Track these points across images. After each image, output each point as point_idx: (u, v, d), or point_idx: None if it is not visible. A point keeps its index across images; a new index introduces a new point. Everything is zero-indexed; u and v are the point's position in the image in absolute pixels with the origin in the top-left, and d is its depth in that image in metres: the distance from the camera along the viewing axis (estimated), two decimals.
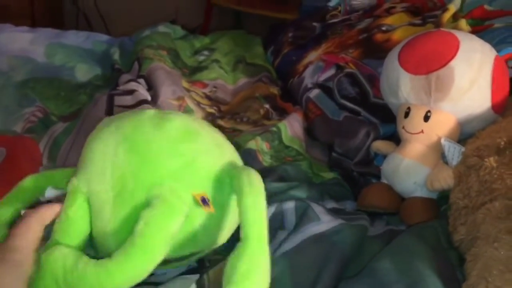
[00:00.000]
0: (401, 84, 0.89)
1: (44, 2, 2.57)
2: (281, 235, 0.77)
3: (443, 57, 0.84)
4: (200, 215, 0.61)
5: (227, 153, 0.68)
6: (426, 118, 0.86)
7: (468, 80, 0.83)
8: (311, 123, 1.21)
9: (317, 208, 0.80)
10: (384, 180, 0.94)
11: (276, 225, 0.81)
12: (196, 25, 2.96)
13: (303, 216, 0.78)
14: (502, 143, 0.76)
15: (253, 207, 0.58)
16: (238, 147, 1.04)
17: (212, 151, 0.65)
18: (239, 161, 0.69)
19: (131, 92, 1.23)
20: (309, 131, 1.21)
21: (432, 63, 0.84)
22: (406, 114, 0.89)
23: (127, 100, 1.21)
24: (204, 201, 0.60)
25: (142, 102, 1.20)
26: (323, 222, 0.76)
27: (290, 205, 0.83)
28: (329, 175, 1.04)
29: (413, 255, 0.65)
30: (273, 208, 0.83)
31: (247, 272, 0.54)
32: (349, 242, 0.73)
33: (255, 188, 0.59)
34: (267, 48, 1.70)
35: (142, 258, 0.55)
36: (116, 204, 0.59)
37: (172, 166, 0.60)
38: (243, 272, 0.54)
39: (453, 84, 0.83)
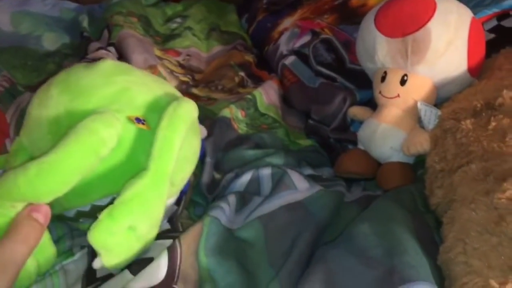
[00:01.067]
0: (378, 48, 0.87)
1: None
2: (257, 200, 0.76)
3: (419, 19, 0.82)
4: (136, 133, 0.60)
5: (166, 87, 0.68)
6: (403, 82, 0.85)
7: (444, 42, 0.81)
8: (287, 91, 1.19)
9: (294, 175, 0.79)
10: (360, 146, 0.93)
11: (252, 191, 0.80)
12: None
13: (279, 183, 0.77)
14: (479, 105, 0.76)
15: (162, 141, 0.58)
16: (213, 115, 1.03)
17: (149, 83, 0.66)
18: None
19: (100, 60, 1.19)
20: (285, 99, 1.19)
21: (408, 25, 0.83)
22: (383, 79, 0.88)
23: None
24: (139, 120, 0.60)
25: None
26: (300, 191, 0.75)
27: (266, 172, 0.81)
28: (306, 142, 1.03)
29: (390, 219, 0.65)
30: (249, 175, 0.82)
31: (129, 200, 0.55)
32: (325, 210, 0.72)
33: (173, 121, 0.60)
34: (242, 15, 1.66)
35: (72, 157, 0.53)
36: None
37: (105, 93, 0.60)
38: (125, 198, 0.55)
39: (429, 46, 0.81)
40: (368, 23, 0.90)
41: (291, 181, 0.77)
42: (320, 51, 1.19)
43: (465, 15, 0.84)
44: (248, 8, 1.65)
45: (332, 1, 1.36)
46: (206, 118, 1.03)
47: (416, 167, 0.89)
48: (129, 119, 0.61)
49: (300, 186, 0.77)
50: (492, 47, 0.95)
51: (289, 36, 1.31)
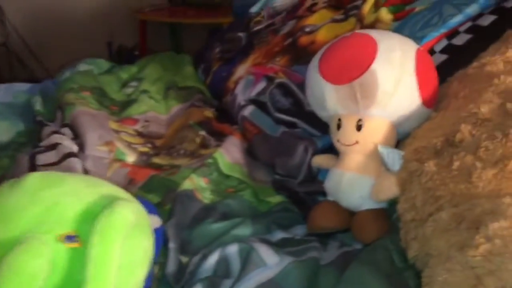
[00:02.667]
0: (327, 96, 0.84)
1: None
2: (227, 283, 0.71)
3: (362, 62, 0.79)
4: (69, 253, 0.56)
5: (102, 190, 0.65)
6: (359, 127, 0.81)
7: (392, 81, 0.78)
8: (250, 143, 1.15)
9: (262, 249, 0.74)
10: (330, 197, 0.88)
11: (220, 273, 0.75)
12: (134, 43, 2.89)
13: (247, 261, 0.72)
14: (439, 143, 0.72)
15: (95, 260, 0.54)
16: (176, 186, 0.98)
17: (81, 191, 0.62)
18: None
19: (54, 146, 1.14)
20: (249, 152, 1.15)
21: (352, 70, 0.79)
22: (338, 126, 0.84)
23: (51, 156, 1.12)
24: (70, 238, 0.57)
25: (67, 156, 1.11)
26: (269, 266, 0.70)
27: (233, 249, 0.77)
28: (275, 199, 0.99)
29: None
30: (216, 255, 0.77)
31: None
32: (298, 285, 0.67)
33: (106, 234, 0.56)
34: (198, 66, 1.63)
35: None
36: None
37: (32, 214, 0.57)
38: None
39: (377, 87, 0.78)
40: (313, 73, 0.86)
41: (259, 256, 0.73)
42: (277, 97, 1.16)
43: (409, 49, 0.81)
44: (203, 58, 1.62)
45: (282, 42, 1.33)
46: (169, 191, 0.98)
47: (390, 210, 0.85)
48: (59, 239, 0.56)
49: (269, 261, 0.72)
50: (446, 69, 0.92)
51: (245, 84, 1.27)
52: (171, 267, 0.78)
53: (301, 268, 0.71)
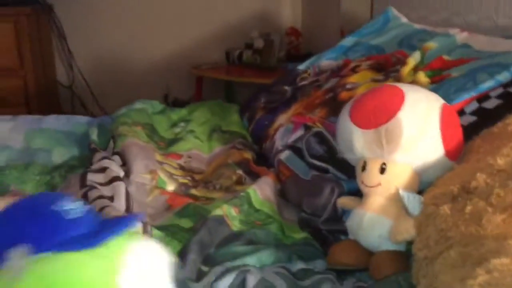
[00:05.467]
0: (354, 140, 0.90)
1: (38, 89, 2.63)
2: None
3: (389, 110, 0.85)
4: None
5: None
6: (382, 170, 0.87)
7: (416, 130, 0.84)
8: (283, 185, 1.22)
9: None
10: (351, 237, 0.93)
11: None
12: (189, 96, 3.03)
13: None
14: (455, 190, 0.77)
15: None
16: (208, 214, 1.05)
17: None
18: None
19: (103, 169, 1.25)
20: (282, 193, 1.21)
21: (380, 116, 0.86)
22: (363, 168, 0.90)
23: (100, 177, 1.22)
24: None
25: (114, 179, 1.21)
26: None
27: (251, 279, 0.82)
28: (300, 235, 1.04)
29: None
30: (233, 276, 0.83)
31: None
32: None
33: None
34: (243, 115, 1.73)
35: None
36: None
37: None
38: None
39: (402, 135, 0.84)
40: (344, 118, 0.93)
41: None
42: (312, 144, 1.23)
43: (435, 103, 0.87)
44: (248, 107, 1.72)
45: (323, 96, 1.41)
46: (201, 217, 1.05)
47: (409, 253, 0.88)
48: None
49: None
50: (474, 130, 0.97)
51: (284, 131, 1.35)
52: (188, 272, 0.83)
53: None
